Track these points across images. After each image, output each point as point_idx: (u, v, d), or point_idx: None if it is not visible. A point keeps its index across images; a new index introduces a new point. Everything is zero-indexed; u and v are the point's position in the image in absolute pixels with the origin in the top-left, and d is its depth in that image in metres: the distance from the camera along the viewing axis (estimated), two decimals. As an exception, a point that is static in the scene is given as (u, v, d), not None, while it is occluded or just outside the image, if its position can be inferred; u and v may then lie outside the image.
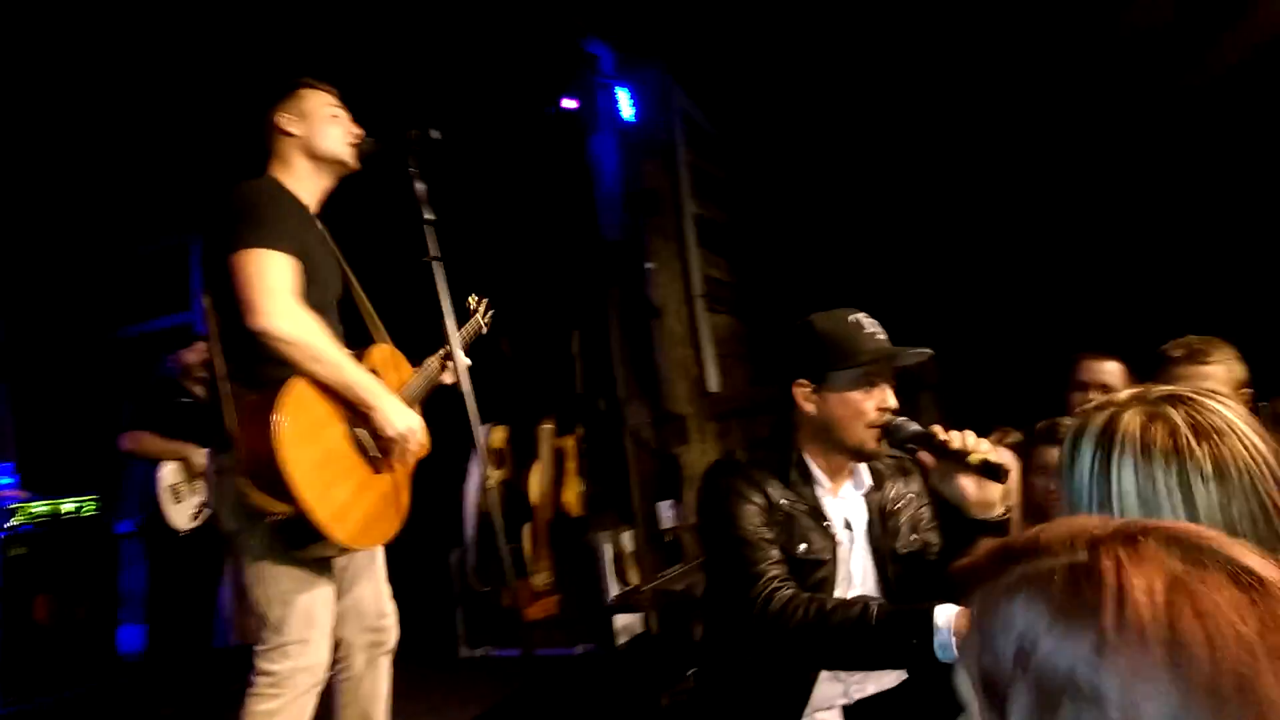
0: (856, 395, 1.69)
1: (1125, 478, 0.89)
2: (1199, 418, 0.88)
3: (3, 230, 5.08)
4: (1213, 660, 0.42)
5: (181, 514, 3.80)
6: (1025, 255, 4.10)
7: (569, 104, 4.13)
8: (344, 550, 2.00)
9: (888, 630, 1.51)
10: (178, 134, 4.23)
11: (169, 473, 3.80)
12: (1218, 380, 2.03)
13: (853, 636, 1.53)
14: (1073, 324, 3.67)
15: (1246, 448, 0.86)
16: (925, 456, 1.65)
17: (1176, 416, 0.89)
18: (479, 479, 4.02)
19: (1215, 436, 0.86)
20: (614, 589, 3.93)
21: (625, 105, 4.10)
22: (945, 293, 4.11)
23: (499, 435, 4.35)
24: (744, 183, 4.81)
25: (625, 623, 3.96)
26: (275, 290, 1.85)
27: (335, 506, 1.86)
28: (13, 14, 3.23)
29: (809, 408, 1.72)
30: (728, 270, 4.55)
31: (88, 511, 4.74)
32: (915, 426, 1.66)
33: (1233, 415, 0.88)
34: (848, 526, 1.77)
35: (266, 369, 1.87)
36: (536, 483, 4.16)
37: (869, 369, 1.69)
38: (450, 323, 2.11)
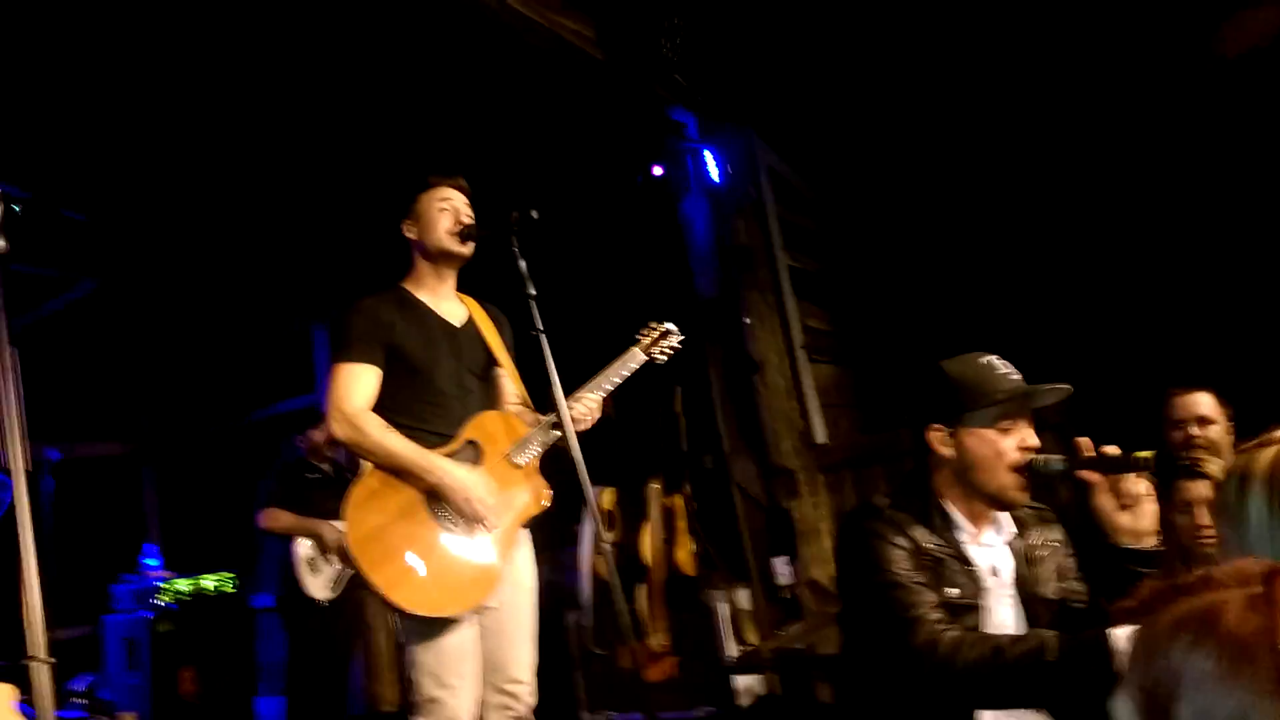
0: (994, 435, 1.65)
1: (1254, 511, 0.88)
2: None
3: (143, 321, 5.51)
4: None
5: (319, 585, 3.97)
6: (1124, 287, 3.95)
7: (657, 171, 4.26)
8: (452, 616, 2.10)
9: (1068, 658, 1.43)
10: (306, 222, 4.54)
11: (305, 547, 3.99)
12: None
13: (1030, 669, 1.45)
14: (1176, 355, 3.51)
15: None
16: (1090, 475, 1.60)
17: None
18: (593, 540, 4.08)
19: None
20: (732, 648, 3.89)
21: (712, 167, 4.19)
22: (1046, 330, 3.98)
23: (608, 497, 4.40)
24: (834, 232, 4.81)
25: (746, 683, 3.90)
26: (336, 400, 2.19)
27: (408, 579, 2.06)
28: (158, 106, 3.54)
29: (946, 451, 1.70)
30: (826, 320, 4.54)
31: (227, 588, 5.02)
32: (1060, 458, 1.62)
33: None
34: (994, 573, 1.73)
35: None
36: (648, 543, 4.18)
37: (1006, 408, 1.65)
38: (558, 391, 2.19)
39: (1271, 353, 3.11)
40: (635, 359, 2.52)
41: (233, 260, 4.81)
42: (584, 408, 2.34)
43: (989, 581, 1.71)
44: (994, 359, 1.72)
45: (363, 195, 3.69)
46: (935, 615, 1.59)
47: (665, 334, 2.59)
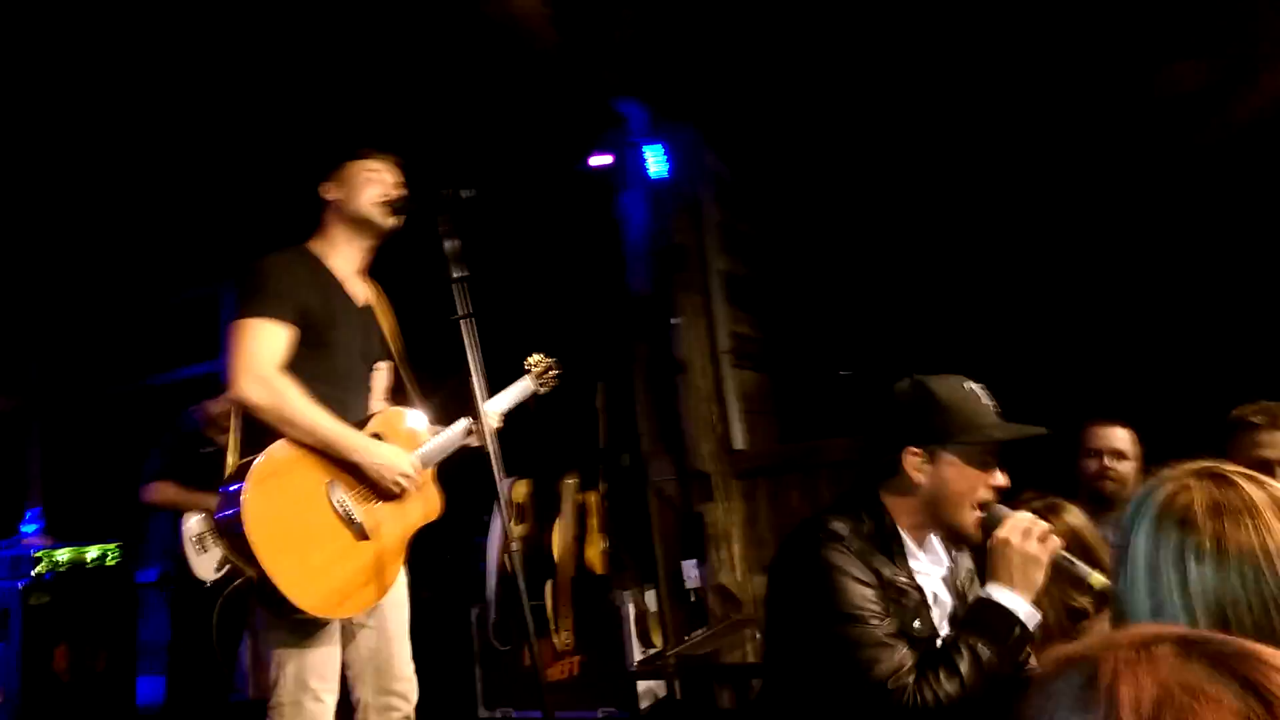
0: (974, 472, 1.59)
1: (1139, 543, 0.89)
2: (1221, 495, 0.86)
3: (38, 273, 5.19)
4: None
5: (206, 565, 3.79)
6: (1045, 314, 4.08)
7: (601, 160, 4.18)
8: (322, 619, 1.99)
9: (991, 635, 1.47)
10: (215, 185, 4.33)
11: (194, 524, 3.80)
12: None
13: (987, 666, 1.46)
14: (1090, 390, 3.63)
15: (1263, 534, 0.83)
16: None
17: (1199, 490, 0.87)
18: (501, 535, 3.99)
19: (1228, 517, 0.84)
20: (637, 650, 3.85)
21: (655, 162, 4.14)
22: (967, 351, 4.07)
23: (521, 490, 4.32)
24: (770, 238, 4.82)
25: (649, 686, 3.87)
26: (248, 360, 1.97)
27: (302, 574, 1.89)
28: (60, 60, 3.32)
29: (918, 477, 1.61)
30: (754, 326, 4.54)
31: (111, 560, 4.75)
32: (1006, 512, 1.59)
33: (1264, 499, 0.85)
34: (935, 600, 1.68)
35: (268, 434, 1.96)
36: (559, 539, 4.12)
37: (993, 444, 1.60)
38: (477, 382, 2.12)
39: (1187, 395, 3.21)
40: (528, 385, 2.50)
41: (140, 216, 4.56)
42: (491, 423, 2.23)
43: (934, 613, 1.66)
44: (975, 386, 1.65)
45: (283, 155, 3.52)
46: (901, 653, 1.51)
47: (551, 366, 2.59)
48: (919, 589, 1.63)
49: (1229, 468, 0.91)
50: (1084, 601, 1.64)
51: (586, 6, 3.54)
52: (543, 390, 2.54)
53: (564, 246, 4.61)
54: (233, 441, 2.03)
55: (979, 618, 1.52)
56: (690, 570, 3.98)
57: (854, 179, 4.39)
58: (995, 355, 4.03)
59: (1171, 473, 0.94)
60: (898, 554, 1.63)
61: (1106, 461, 2.63)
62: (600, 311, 4.42)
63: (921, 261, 4.34)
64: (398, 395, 2.38)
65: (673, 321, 4.09)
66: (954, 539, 1.68)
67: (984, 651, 1.47)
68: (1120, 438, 2.68)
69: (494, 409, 2.31)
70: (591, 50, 3.61)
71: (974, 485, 1.60)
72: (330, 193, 2.23)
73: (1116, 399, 2.94)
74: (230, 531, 1.87)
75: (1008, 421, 1.63)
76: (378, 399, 2.35)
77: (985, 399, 1.65)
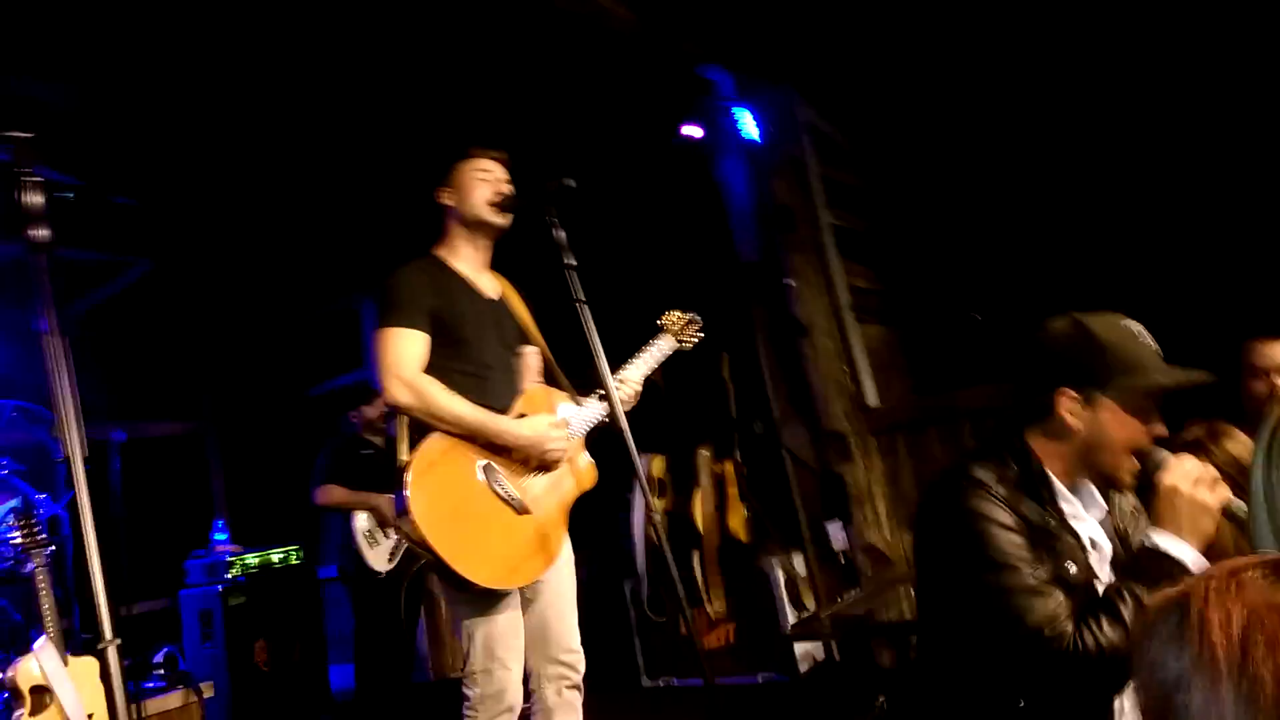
0: (1133, 419, 1.50)
1: (1257, 472, 0.93)
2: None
3: (200, 304, 5.64)
4: (1276, 685, 0.44)
5: (379, 557, 4.07)
6: (1184, 237, 3.78)
7: (693, 131, 4.17)
8: (497, 590, 2.12)
9: (1158, 584, 1.37)
10: (351, 199, 4.58)
11: (363, 520, 4.09)
12: None
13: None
14: (1248, 306, 3.34)
15: None
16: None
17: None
18: (644, 509, 4.09)
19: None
20: (790, 614, 3.88)
21: (749, 125, 4.09)
22: (1094, 286, 3.83)
23: (658, 465, 4.41)
24: (879, 188, 4.68)
25: (806, 649, 3.90)
26: (392, 366, 2.15)
27: (472, 552, 2.04)
28: (202, 88, 3.58)
29: (1073, 421, 1.52)
30: (873, 279, 4.43)
31: (294, 560, 5.16)
32: (1168, 457, 1.49)
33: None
34: (1093, 546, 1.60)
35: (423, 429, 2.14)
36: (700, 510, 4.18)
37: (1158, 388, 1.50)
38: (602, 363, 2.19)
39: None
40: (669, 343, 2.52)
41: (282, 238, 4.88)
42: (629, 390, 2.34)
43: (1093, 557, 1.58)
44: (1137, 326, 1.54)
45: (401, 168, 3.69)
46: (1057, 599, 1.45)
47: (691, 321, 2.60)
48: (1073, 533, 1.56)
49: None
50: None
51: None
52: (685, 346, 2.56)
53: (669, 220, 4.63)
54: (402, 439, 2.20)
55: (1145, 566, 1.43)
56: (836, 532, 3.97)
57: (959, 118, 4.19)
58: (1131, 286, 3.79)
59: None
60: (1048, 499, 1.55)
61: (1275, 379, 2.44)
62: (714, 281, 4.42)
63: (1040, 196, 4.11)
64: (546, 376, 2.49)
65: (788, 283, 4.05)
66: (1106, 484, 1.59)
67: (1148, 599, 1.39)
68: None
69: (635, 375, 2.39)
70: (668, 23, 3.60)
71: (1133, 433, 1.51)
72: (446, 198, 2.36)
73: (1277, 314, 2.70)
74: (405, 525, 2.05)
75: (1170, 365, 1.52)
76: (531, 379, 2.46)
77: (1147, 340, 1.54)
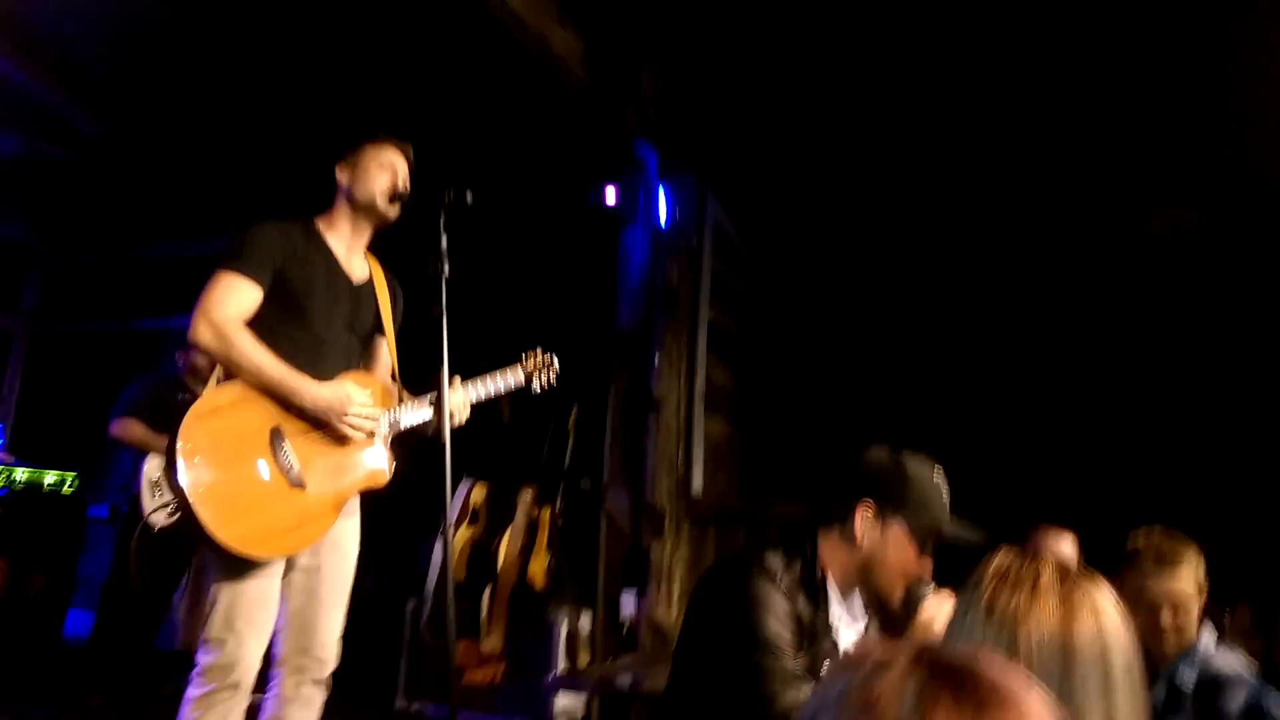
0: (914, 549, 1.68)
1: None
2: (1011, 566, 1.00)
3: (59, 202, 5.29)
4: None
5: (159, 510, 3.85)
6: (1014, 410, 4.25)
7: (610, 197, 4.36)
8: (241, 554, 2.03)
9: None
10: (250, 153, 4.48)
11: (153, 466, 3.87)
12: (1189, 584, 2.06)
13: None
14: (1053, 488, 3.79)
15: (1032, 611, 0.96)
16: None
17: (998, 558, 1.02)
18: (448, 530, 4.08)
19: (1013, 585, 0.98)
20: (561, 665, 3.93)
21: (662, 207, 4.32)
22: (934, 438, 4.22)
23: (479, 492, 4.42)
24: (760, 297, 5.00)
25: (566, 704, 3.94)
26: (207, 306, 2.10)
27: (225, 505, 1.97)
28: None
29: (863, 533, 1.68)
30: (731, 379, 4.69)
31: (67, 490, 4.80)
32: (930, 593, 1.68)
33: (1050, 582, 0.98)
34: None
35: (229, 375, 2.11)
36: (506, 547, 4.21)
37: (936, 535, 1.69)
38: (444, 375, 2.21)
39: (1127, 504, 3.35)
40: (515, 377, 2.56)
41: (162, 163, 4.70)
42: (459, 402, 2.33)
43: None
44: (943, 480, 1.75)
45: (296, 131, 3.68)
46: (806, 691, 1.55)
47: (549, 364, 2.64)
48: (833, 639, 1.71)
49: (1051, 556, 1.05)
50: None
51: (616, 52, 3.74)
52: (534, 388, 2.60)
53: (565, 269, 4.77)
54: (214, 377, 2.15)
55: None
56: (628, 600, 4.07)
57: (852, 254, 4.58)
58: (956, 447, 4.19)
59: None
60: (821, 602, 1.70)
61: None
62: (589, 338, 4.56)
63: (903, 344, 4.52)
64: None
65: (655, 360, 4.23)
66: (873, 603, 1.74)
67: None
68: (1067, 543, 2.78)
69: (473, 394, 2.40)
70: (615, 92, 3.80)
71: (909, 560, 1.68)
72: (343, 175, 2.35)
73: (1064, 506, 3.07)
74: (167, 460, 1.97)
75: (956, 517, 1.74)
76: (381, 372, 2.46)
77: (944, 489, 1.75)
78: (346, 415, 2.15)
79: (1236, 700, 1.94)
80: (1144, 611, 2.03)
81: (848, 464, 1.79)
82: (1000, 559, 1.03)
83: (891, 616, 1.75)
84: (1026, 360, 4.31)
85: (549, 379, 2.65)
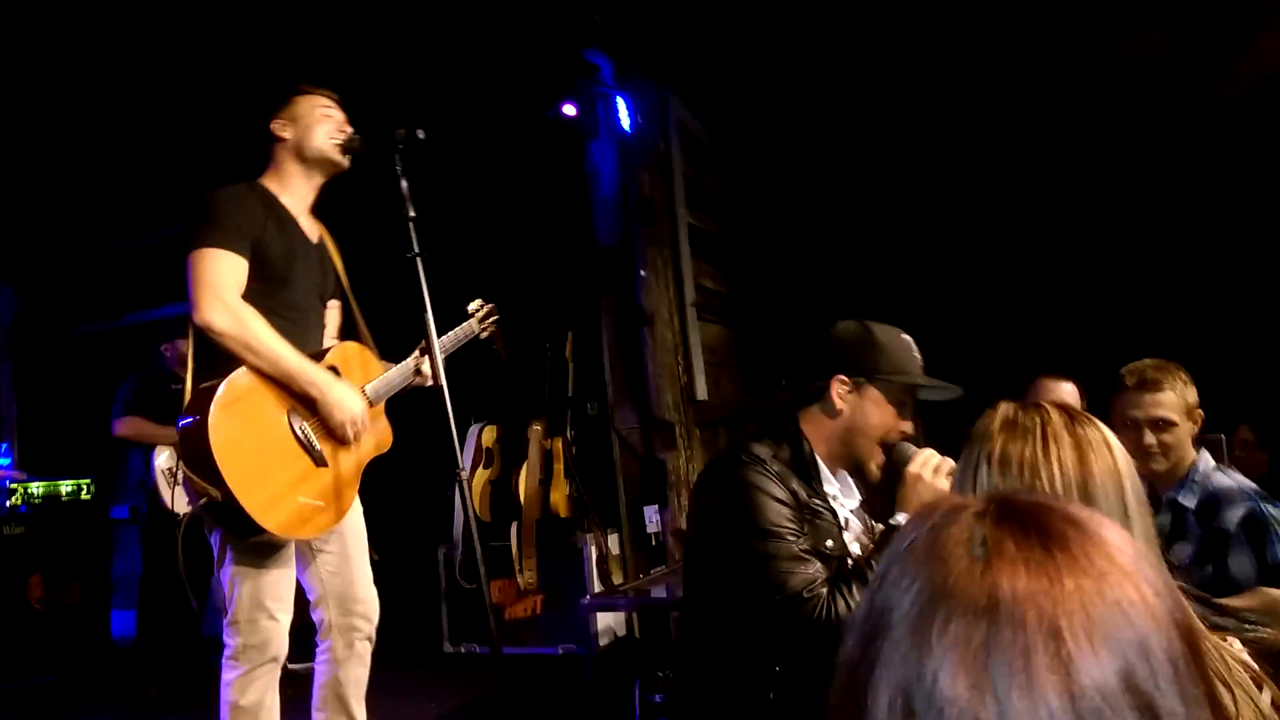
0: (891, 411, 1.72)
1: (961, 458, 1.06)
2: (1016, 415, 0.99)
3: (17, 213, 5.17)
4: (929, 594, 0.52)
5: (178, 498, 3.86)
6: (1008, 272, 4.19)
7: (569, 110, 4.20)
8: (282, 539, 2.06)
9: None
10: (187, 130, 4.33)
11: (165, 458, 3.87)
12: (1170, 406, 2.09)
13: None
14: (1047, 342, 3.76)
15: (1039, 449, 0.94)
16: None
17: (1001, 410, 1.01)
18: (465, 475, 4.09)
19: (1014, 432, 0.95)
20: (596, 588, 4.00)
21: (623, 115, 4.16)
22: (927, 309, 4.19)
23: (489, 434, 4.43)
24: (739, 195, 4.88)
25: (607, 624, 4.02)
26: (213, 286, 2.01)
27: (265, 495, 1.96)
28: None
29: (841, 405, 1.72)
30: (720, 281, 4.62)
31: (85, 495, 4.82)
32: (914, 450, 1.71)
33: (1059, 425, 0.96)
34: (847, 525, 1.79)
35: (224, 362, 2.01)
36: (524, 483, 4.23)
37: (913, 388, 1.73)
38: (430, 320, 2.15)
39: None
40: (469, 329, 2.53)
41: (120, 163, 4.56)
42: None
43: (847, 535, 1.77)
44: (910, 339, 1.78)
45: (231, 94, 3.53)
46: (815, 568, 1.60)
47: (491, 311, 2.61)
48: (832, 511, 1.74)
49: (1048, 401, 1.03)
50: None
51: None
52: (484, 335, 2.57)
53: (535, 195, 4.65)
54: (190, 371, 2.08)
55: (889, 541, 1.63)
56: (652, 515, 4.11)
57: (822, 138, 4.44)
58: (950, 316, 4.16)
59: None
60: (814, 478, 1.74)
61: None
62: (571, 262, 4.49)
63: (886, 221, 4.43)
64: (348, 333, 2.45)
65: (640, 273, 4.16)
66: (856, 471, 1.79)
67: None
68: (1066, 392, 2.77)
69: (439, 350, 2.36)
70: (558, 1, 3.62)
71: (888, 422, 1.72)
72: (283, 130, 2.24)
73: (1065, 354, 3.04)
74: (197, 454, 1.92)
75: (931, 377, 1.76)
76: (331, 335, 2.41)
77: (916, 353, 1.77)
78: (350, 421, 2.12)
79: (1236, 513, 1.99)
80: (1129, 433, 2.05)
81: (818, 342, 1.83)
82: (1004, 410, 1.01)
83: (874, 483, 1.80)
84: (1006, 210, 4.22)
85: (491, 324, 2.61)
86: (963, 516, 0.56)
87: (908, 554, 0.56)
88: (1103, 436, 0.99)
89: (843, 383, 1.73)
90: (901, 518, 1.65)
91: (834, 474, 1.79)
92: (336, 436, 2.15)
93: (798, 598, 1.56)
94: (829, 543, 1.69)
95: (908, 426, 1.74)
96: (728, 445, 1.83)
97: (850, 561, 1.70)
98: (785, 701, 1.62)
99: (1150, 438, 2.07)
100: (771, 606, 1.59)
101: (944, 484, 1.64)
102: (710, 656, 1.75)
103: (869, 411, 1.72)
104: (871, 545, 1.78)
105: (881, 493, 1.77)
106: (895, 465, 1.71)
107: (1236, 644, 0.95)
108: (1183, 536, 2.10)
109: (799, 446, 1.74)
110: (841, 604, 1.56)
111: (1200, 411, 2.12)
